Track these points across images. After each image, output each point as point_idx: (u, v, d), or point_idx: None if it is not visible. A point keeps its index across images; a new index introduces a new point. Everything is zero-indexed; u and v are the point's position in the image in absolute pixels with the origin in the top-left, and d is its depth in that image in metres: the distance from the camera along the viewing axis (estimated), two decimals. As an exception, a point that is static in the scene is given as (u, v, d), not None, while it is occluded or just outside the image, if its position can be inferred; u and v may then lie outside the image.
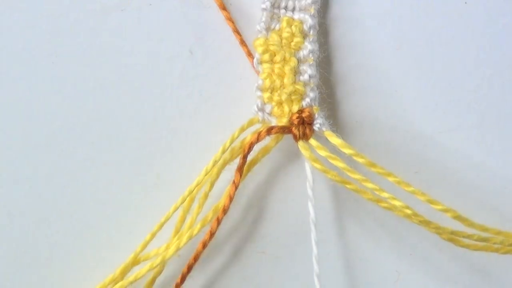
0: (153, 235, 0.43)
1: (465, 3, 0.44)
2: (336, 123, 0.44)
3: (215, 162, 0.42)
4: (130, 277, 0.42)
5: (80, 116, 0.44)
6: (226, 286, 0.45)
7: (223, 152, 0.42)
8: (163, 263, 0.43)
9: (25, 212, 0.44)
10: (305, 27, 0.43)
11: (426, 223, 0.41)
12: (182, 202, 0.42)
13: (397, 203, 0.41)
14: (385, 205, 0.41)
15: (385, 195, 0.41)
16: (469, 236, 0.41)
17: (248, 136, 0.42)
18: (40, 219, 0.44)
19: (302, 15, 0.43)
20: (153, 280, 0.43)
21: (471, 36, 0.44)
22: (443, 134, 0.44)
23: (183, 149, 0.44)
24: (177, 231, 0.43)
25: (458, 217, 0.41)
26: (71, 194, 0.44)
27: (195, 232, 0.42)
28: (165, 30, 0.44)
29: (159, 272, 0.43)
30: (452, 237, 0.42)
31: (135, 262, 0.43)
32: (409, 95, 0.44)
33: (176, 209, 0.42)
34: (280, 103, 0.43)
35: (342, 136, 0.43)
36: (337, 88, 0.44)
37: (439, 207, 0.41)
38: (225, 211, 0.41)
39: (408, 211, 0.40)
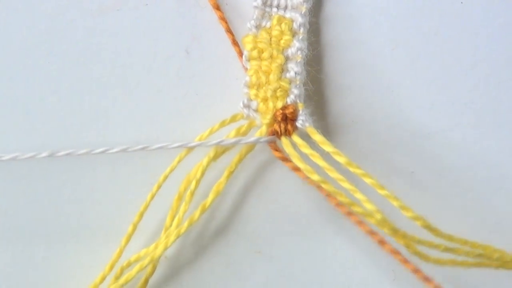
0: (135, 226, 0.43)
1: (461, 2, 0.44)
2: (331, 122, 0.44)
3: (180, 160, 0.43)
4: (121, 279, 0.42)
5: (76, 116, 0.44)
6: (222, 286, 0.44)
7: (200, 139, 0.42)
8: (153, 263, 0.43)
9: (21, 211, 0.44)
10: (295, 25, 0.43)
11: (394, 230, 0.40)
12: (157, 190, 0.43)
13: (369, 206, 0.39)
14: (359, 209, 0.40)
15: (359, 196, 0.40)
16: (436, 246, 0.41)
17: (232, 131, 0.42)
18: (34, 218, 0.44)
19: (293, 13, 0.43)
20: (145, 281, 0.43)
21: (467, 36, 0.44)
22: (439, 134, 0.44)
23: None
24: (167, 230, 0.43)
25: (427, 227, 0.40)
26: (66, 193, 0.44)
27: (182, 230, 0.42)
28: (161, 30, 0.44)
29: (151, 273, 0.43)
30: (419, 252, 0.41)
31: (128, 264, 0.43)
32: (405, 95, 0.44)
33: (153, 197, 0.43)
34: (265, 100, 0.43)
35: (337, 136, 0.43)
36: (332, 87, 0.44)
37: (409, 214, 0.40)
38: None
39: (378, 216, 0.39)
